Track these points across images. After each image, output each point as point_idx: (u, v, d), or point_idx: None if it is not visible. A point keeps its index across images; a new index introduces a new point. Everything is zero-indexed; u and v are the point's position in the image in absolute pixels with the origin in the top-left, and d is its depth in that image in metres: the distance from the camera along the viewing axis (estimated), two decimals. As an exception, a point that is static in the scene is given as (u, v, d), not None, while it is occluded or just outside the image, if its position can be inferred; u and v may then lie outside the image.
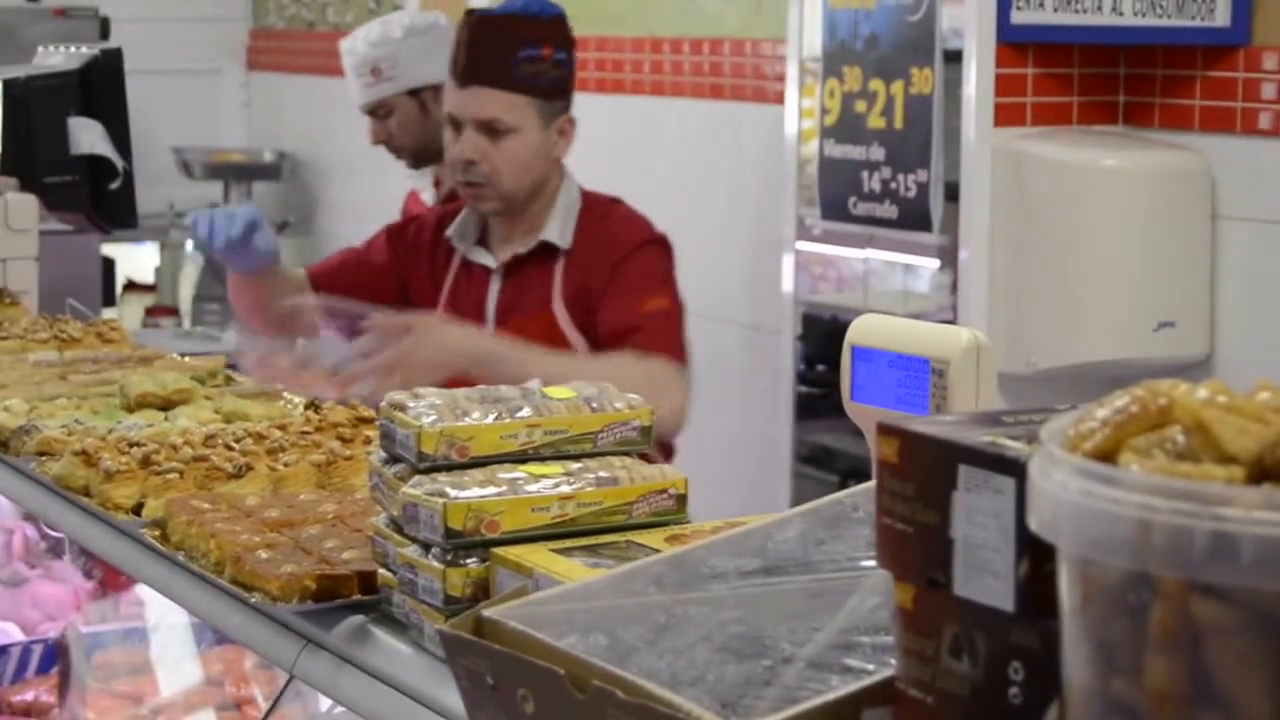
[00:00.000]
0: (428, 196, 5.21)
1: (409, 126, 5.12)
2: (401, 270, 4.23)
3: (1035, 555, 1.20)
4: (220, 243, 3.92)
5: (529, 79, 4.00)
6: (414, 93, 5.11)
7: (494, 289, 4.10)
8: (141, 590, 3.03)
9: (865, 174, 4.65)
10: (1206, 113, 4.16)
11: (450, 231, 4.17)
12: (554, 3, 4.11)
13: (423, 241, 4.22)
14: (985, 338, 1.96)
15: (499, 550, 1.88)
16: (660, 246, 4.07)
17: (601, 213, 4.10)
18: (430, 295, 4.17)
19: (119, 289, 7.94)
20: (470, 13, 4.16)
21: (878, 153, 4.62)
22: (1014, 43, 4.21)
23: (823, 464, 4.93)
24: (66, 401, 3.07)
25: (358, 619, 2.08)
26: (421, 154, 5.15)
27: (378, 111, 5.14)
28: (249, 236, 3.94)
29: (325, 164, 8.28)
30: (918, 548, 1.28)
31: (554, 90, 4.05)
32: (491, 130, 4.00)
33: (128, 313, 7.96)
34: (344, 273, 4.25)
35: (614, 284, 3.97)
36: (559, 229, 4.05)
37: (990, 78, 4.20)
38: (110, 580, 3.26)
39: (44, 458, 2.78)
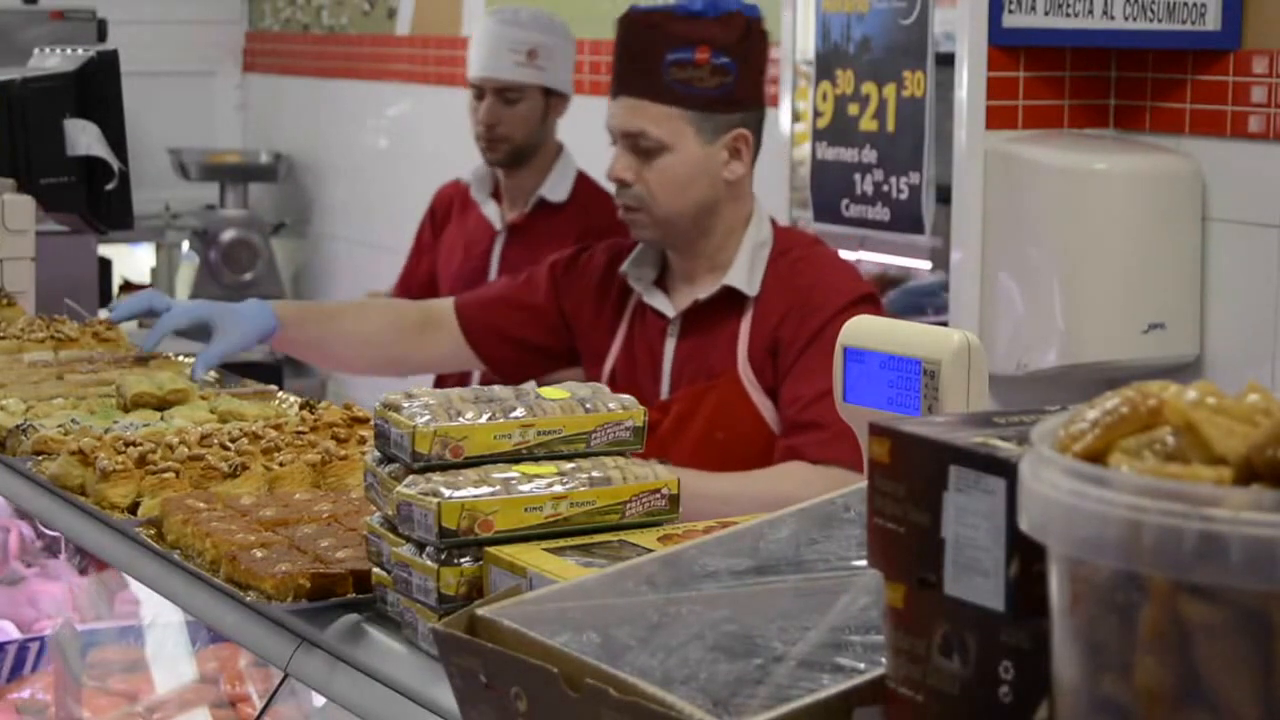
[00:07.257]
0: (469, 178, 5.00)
1: (528, 120, 4.85)
2: (563, 309, 3.72)
3: (1025, 555, 1.20)
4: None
5: (678, 86, 3.47)
6: (548, 92, 4.88)
7: (670, 345, 3.58)
8: (137, 589, 3.03)
9: (857, 176, 4.66)
10: (1197, 116, 4.16)
11: (625, 267, 3.64)
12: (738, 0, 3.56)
13: (590, 276, 3.71)
14: (976, 339, 1.96)
15: (493, 549, 1.89)
16: (869, 307, 3.40)
17: (798, 255, 3.54)
18: (601, 340, 3.68)
19: (115, 289, 7.94)
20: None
21: (870, 155, 4.63)
22: (1005, 46, 4.21)
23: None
24: (63, 401, 3.08)
25: (352, 618, 2.09)
26: (518, 154, 4.86)
27: (508, 94, 4.84)
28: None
29: (321, 165, 8.27)
30: (909, 547, 1.29)
31: (713, 101, 3.49)
32: (640, 147, 3.52)
33: (123, 313, 7.95)
34: (499, 310, 3.76)
35: (808, 356, 3.39)
36: (746, 272, 3.50)
37: (982, 81, 4.21)
38: (106, 579, 3.27)
39: (41, 457, 2.79)
